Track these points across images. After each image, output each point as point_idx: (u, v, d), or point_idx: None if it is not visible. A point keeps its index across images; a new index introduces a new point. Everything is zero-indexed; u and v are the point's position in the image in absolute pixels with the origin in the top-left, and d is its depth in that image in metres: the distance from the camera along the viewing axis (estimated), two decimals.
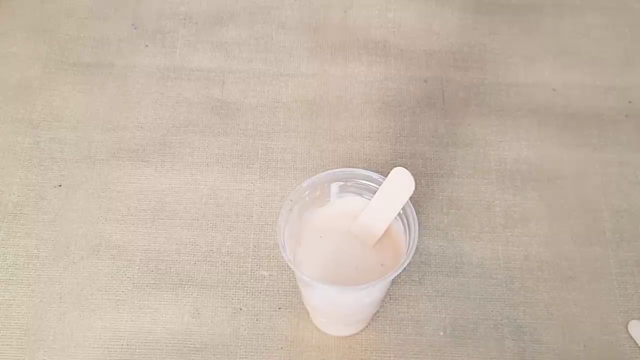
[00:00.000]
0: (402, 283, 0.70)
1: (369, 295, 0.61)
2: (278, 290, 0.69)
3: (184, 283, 0.70)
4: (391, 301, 0.69)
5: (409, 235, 0.59)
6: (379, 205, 0.62)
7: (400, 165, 0.77)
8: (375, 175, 0.61)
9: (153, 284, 0.69)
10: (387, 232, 0.62)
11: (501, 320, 0.68)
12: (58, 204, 0.74)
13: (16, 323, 0.67)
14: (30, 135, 0.79)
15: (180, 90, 0.82)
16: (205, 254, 0.71)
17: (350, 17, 0.89)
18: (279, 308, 0.69)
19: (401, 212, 0.60)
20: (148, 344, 0.66)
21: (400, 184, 0.60)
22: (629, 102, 0.82)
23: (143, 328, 0.67)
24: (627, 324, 0.68)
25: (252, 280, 0.70)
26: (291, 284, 0.70)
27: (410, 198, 0.59)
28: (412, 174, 0.58)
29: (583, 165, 0.77)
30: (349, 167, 0.71)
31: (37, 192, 0.75)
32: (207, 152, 0.78)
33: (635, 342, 0.67)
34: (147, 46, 0.86)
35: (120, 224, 0.73)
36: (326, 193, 0.63)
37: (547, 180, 0.76)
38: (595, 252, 0.72)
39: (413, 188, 0.59)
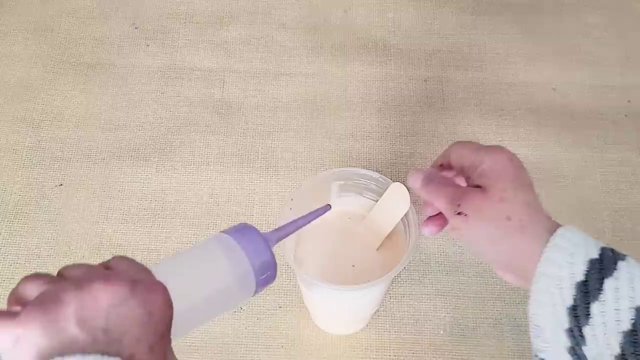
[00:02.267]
0: (402, 282, 0.70)
1: (369, 295, 0.61)
2: (279, 290, 0.70)
3: None
4: (391, 300, 0.69)
5: (409, 234, 0.59)
6: (377, 217, 0.62)
7: (399, 165, 0.77)
8: (375, 175, 0.61)
9: None
10: None
11: (501, 319, 0.68)
12: (59, 203, 0.74)
13: None
14: (31, 134, 0.79)
15: (180, 90, 0.82)
16: None
17: (350, 17, 0.89)
18: (280, 307, 0.69)
19: None
20: None
21: (397, 199, 0.60)
22: (629, 101, 0.82)
23: None
24: None
25: None
26: (292, 283, 0.70)
27: (410, 197, 0.59)
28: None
29: (583, 165, 0.77)
30: (349, 166, 0.71)
31: (38, 192, 0.75)
32: (208, 151, 0.78)
33: None
34: (147, 46, 0.86)
35: (121, 223, 0.73)
36: (326, 192, 0.63)
37: (547, 179, 0.76)
38: None
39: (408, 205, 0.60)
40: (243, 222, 0.44)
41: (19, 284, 0.36)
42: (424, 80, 0.84)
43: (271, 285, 0.69)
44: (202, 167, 0.77)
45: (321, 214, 0.51)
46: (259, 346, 0.66)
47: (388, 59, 0.85)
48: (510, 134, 0.79)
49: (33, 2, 0.89)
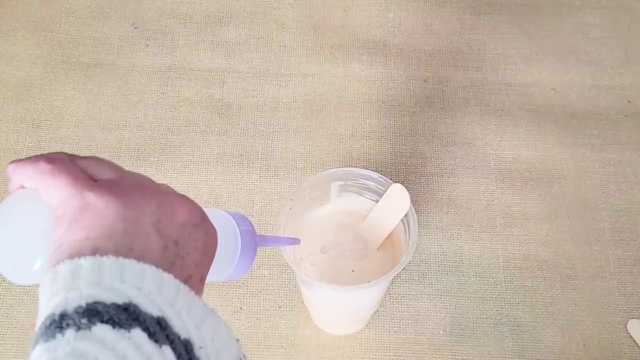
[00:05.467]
0: (402, 282, 0.70)
1: (369, 295, 0.61)
2: (278, 290, 0.70)
3: None
4: (391, 300, 0.69)
5: (409, 234, 0.59)
6: (377, 217, 0.62)
7: (399, 165, 0.77)
8: (375, 175, 0.61)
9: None
10: None
11: (500, 319, 0.68)
12: None
13: (17, 322, 0.67)
14: (31, 134, 0.79)
15: (180, 90, 0.82)
16: None
17: (350, 17, 0.89)
18: (280, 307, 0.69)
19: None
20: None
21: (397, 200, 0.60)
22: (628, 101, 0.82)
23: None
24: (627, 323, 0.68)
25: (252, 280, 0.70)
26: (291, 283, 0.70)
27: (410, 197, 0.59)
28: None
29: (582, 165, 0.77)
30: (349, 166, 0.71)
31: None
32: (208, 151, 0.78)
33: (634, 341, 0.67)
34: (147, 46, 0.86)
35: None
36: (326, 192, 0.63)
37: (547, 179, 0.76)
38: (594, 251, 0.72)
39: (408, 206, 0.60)
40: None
41: (76, 156, 0.34)
42: (424, 80, 0.84)
43: (269, 287, 0.70)
44: (202, 167, 0.77)
45: (289, 244, 0.54)
46: (259, 346, 0.66)
47: (388, 59, 0.85)
48: (510, 133, 0.79)
49: (33, 2, 0.89)
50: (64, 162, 0.33)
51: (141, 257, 0.30)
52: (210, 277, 0.36)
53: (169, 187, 0.36)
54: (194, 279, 0.32)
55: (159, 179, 0.78)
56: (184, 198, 0.34)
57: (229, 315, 0.68)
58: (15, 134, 0.79)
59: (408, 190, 0.59)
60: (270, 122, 0.80)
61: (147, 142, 0.78)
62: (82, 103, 0.81)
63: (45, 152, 0.81)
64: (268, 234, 0.52)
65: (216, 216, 0.41)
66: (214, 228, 0.35)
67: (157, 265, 0.30)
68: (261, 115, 0.81)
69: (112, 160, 0.35)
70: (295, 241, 0.53)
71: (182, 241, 0.32)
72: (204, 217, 0.34)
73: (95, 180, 0.33)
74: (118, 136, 0.79)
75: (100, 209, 0.31)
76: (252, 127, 0.80)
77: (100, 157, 0.35)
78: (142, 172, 0.79)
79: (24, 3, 0.89)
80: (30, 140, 0.78)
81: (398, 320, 0.68)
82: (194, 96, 0.82)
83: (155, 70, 0.84)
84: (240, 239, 0.42)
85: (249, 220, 0.43)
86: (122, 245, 0.30)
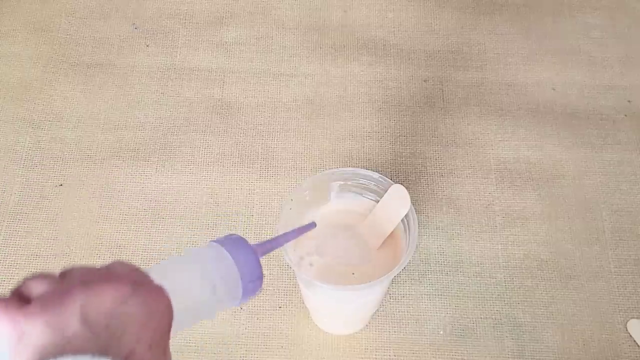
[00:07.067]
0: (402, 282, 0.70)
1: (369, 295, 0.61)
2: (278, 290, 0.70)
3: None
4: (391, 300, 0.69)
5: (409, 234, 0.59)
6: (377, 218, 0.62)
7: (399, 165, 0.77)
8: (375, 175, 0.61)
9: None
10: None
11: (500, 319, 0.68)
12: (59, 203, 0.74)
13: None
14: (31, 134, 0.79)
15: (180, 90, 0.82)
16: None
17: (350, 17, 0.89)
18: (280, 307, 0.69)
19: None
20: None
21: (397, 200, 0.60)
22: (628, 101, 0.82)
23: None
24: (627, 323, 0.68)
25: None
26: (291, 283, 0.70)
27: (410, 197, 0.59)
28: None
29: (582, 165, 0.77)
30: (349, 166, 0.71)
31: (38, 192, 0.75)
32: (207, 151, 0.78)
33: (634, 340, 0.67)
34: (147, 46, 0.86)
35: (121, 224, 0.73)
36: (326, 192, 0.63)
37: (547, 179, 0.76)
38: (594, 251, 0.72)
39: (408, 206, 0.60)
40: (234, 233, 0.44)
41: (23, 281, 0.36)
42: (424, 80, 0.84)
43: (269, 287, 0.70)
44: (202, 167, 0.77)
45: (306, 231, 0.52)
46: (259, 346, 0.66)
47: (388, 59, 0.85)
48: (510, 133, 0.79)
49: (33, 2, 0.89)
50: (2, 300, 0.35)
51: (76, 353, 0.32)
52: (221, 308, 0.40)
53: (104, 267, 0.37)
54: (139, 350, 0.34)
55: (159, 179, 0.78)
56: (108, 278, 0.35)
57: (229, 315, 0.68)
58: (15, 134, 0.79)
59: (408, 190, 0.59)
60: (270, 122, 0.80)
61: (147, 142, 0.78)
62: (82, 103, 0.81)
63: (45, 152, 0.81)
64: (279, 234, 0.50)
65: (211, 256, 0.41)
66: (156, 289, 0.36)
67: (93, 354, 0.32)
68: (261, 115, 0.81)
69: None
70: (311, 226, 0.51)
71: (114, 323, 0.33)
72: (135, 289, 0.35)
73: (30, 301, 0.34)
74: (118, 136, 0.79)
75: (32, 333, 0.32)
76: (252, 127, 0.80)
77: (45, 271, 0.36)
78: (142, 172, 0.79)
79: (24, 3, 0.89)
80: (30, 140, 0.78)
81: (398, 320, 0.68)
82: (194, 96, 0.82)
83: (155, 70, 0.84)
84: (238, 273, 0.41)
85: (246, 244, 0.42)
86: (56, 353, 0.32)
